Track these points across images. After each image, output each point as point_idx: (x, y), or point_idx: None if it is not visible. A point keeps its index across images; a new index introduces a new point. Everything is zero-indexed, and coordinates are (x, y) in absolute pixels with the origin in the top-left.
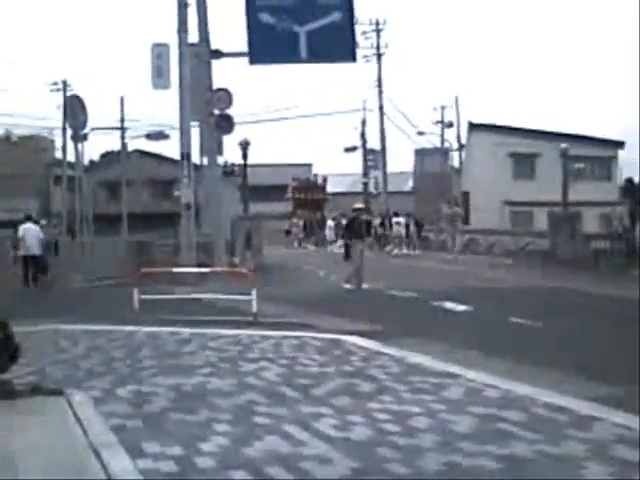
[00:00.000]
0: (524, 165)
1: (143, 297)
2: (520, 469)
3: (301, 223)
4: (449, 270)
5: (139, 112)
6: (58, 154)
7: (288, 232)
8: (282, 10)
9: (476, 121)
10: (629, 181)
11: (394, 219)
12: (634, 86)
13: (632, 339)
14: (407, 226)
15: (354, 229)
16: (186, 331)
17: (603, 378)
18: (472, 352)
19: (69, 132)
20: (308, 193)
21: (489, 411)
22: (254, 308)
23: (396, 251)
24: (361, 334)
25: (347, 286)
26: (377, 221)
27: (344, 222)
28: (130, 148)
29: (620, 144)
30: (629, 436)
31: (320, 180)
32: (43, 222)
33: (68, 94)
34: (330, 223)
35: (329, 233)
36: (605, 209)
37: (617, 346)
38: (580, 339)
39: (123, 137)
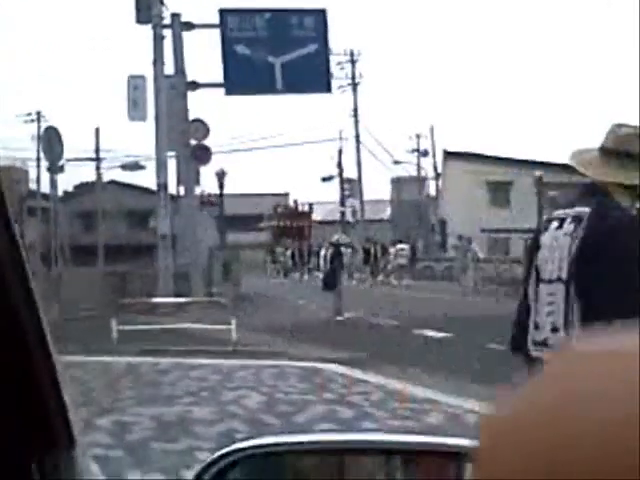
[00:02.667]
0: (499, 193)
1: (121, 328)
2: None
3: (288, 252)
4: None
5: (115, 143)
6: (32, 185)
7: (274, 261)
8: (257, 41)
9: (451, 149)
10: None
11: (398, 246)
12: (608, 114)
13: None
14: (412, 254)
15: (337, 260)
16: (165, 361)
17: None
18: (451, 378)
19: (43, 163)
20: (293, 220)
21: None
22: (233, 337)
23: (397, 281)
24: (341, 362)
25: (339, 318)
26: (372, 249)
27: (322, 252)
28: (105, 179)
29: None
30: None
31: (306, 207)
32: None
33: (42, 125)
34: (323, 252)
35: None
36: None
37: None
38: None
39: (98, 168)
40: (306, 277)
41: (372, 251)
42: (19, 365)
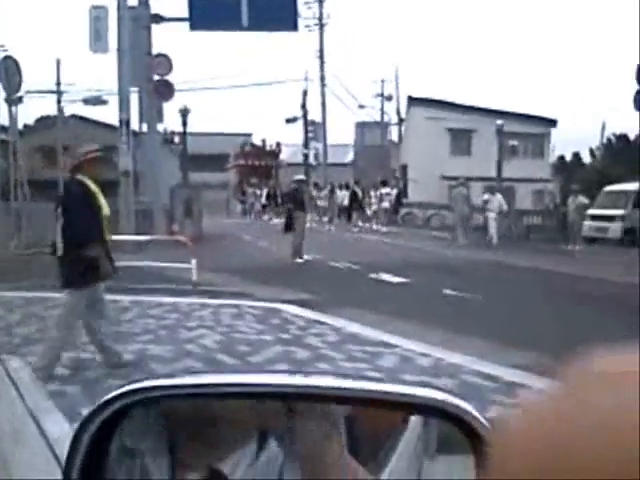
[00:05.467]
0: (461, 140)
1: None
2: None
3: (259, 192)
4: (394, 244)
5: (76, 76)
6: None
7: (242, 202)
8: None
9: (415, 95)
10: (561, 159)
11: (383, 190)
12: (569, 65)
13: (558, 310)
14: (397, 198)
15: (296, 201)
16: (125, 299)
17: (530, 347)
18: (407, 322)
19: (2, 94)
20: (260, 160)
21: (421, 379)
22: (194, 277)
23: (383, 227)
24: (299, 303)
25: (298, 260)
26: (359, 192)
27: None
28: (66, 113)
29: (553, 122)
30: None
31: (274, 146)
32: None
33: (1, 55)
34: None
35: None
36: (538, 186)
37: (544, 317)
38: (510, 310)
39: (59, 101)
40: (278, 220)
41: (359, 194)
42: None
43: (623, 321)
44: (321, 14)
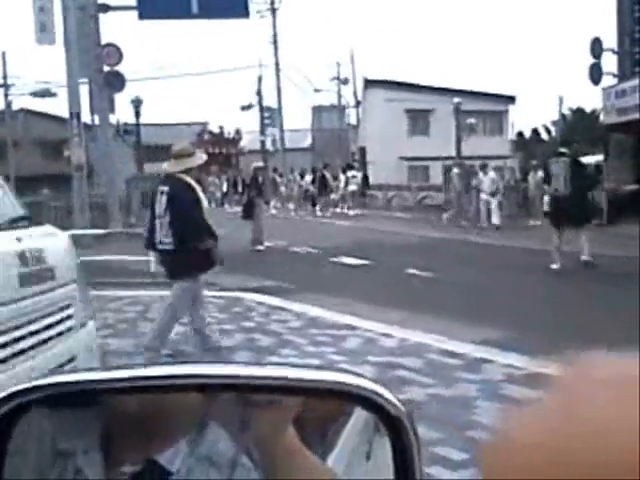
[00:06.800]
0: (419, 121)
1: None
2: (416, 413)
3: (218, 180)
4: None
5: (23, 69)
6: None
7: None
8: None
9: (371, 77)
10: (520, 135)
11: (349, 173)
12: (527, 42)
13: (520, 286)
14: (364, 181)
15: (257, 188)
16: None
17: (493, 324)
18: (370, 304)
19: None
20: (219, 147)
21: (386, 359)
22: (152, 268)
23: (353, 211)
24: (262, 291)
25: (259, 247)
26: (328, 175)
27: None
28: (15, 107)
29: (511, 99)
30: (516, 375)
31: (233, 133)
32: None
33: None
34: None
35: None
36: (497, 163)
37: (506, 293)
38: (473, 288)
39: (7, 95)
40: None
41: (328, 177)
42: None
43: (583, 292)
44: None
